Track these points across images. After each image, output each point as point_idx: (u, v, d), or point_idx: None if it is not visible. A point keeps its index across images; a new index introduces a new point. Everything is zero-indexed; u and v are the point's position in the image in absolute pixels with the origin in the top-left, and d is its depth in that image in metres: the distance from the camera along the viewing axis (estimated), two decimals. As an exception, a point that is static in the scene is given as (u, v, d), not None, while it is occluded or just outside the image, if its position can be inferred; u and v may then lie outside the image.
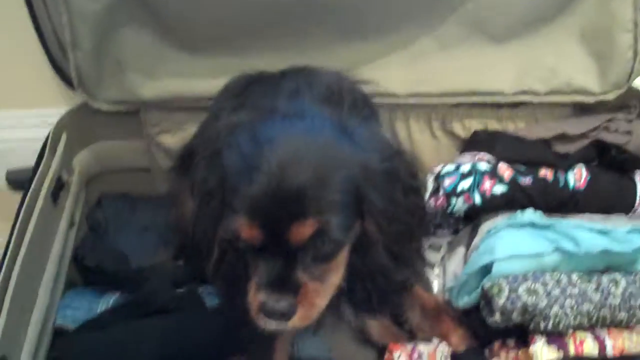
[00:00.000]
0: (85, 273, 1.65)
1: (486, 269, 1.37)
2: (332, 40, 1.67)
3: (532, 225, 1.44)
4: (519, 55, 1.69)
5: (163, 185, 1.83)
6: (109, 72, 1.71)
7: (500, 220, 1.49)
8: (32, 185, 1.51)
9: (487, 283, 1.33)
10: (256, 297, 1.06)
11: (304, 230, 1.01)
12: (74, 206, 1.72)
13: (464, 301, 1.41)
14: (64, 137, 1.70)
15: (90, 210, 1.86)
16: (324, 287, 1.08)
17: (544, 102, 1.71)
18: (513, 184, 1.53)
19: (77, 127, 1.77)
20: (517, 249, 1.37)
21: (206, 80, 1.69)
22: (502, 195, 1.52)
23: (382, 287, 1.21)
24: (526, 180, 1.53)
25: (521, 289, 1.30)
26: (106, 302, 1.58)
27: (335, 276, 1.11)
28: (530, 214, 1.46)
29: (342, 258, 1.11)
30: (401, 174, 1.14)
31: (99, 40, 1.65)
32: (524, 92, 1.71)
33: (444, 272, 1.58)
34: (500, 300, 1.30)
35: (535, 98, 1.71)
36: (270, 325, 1.07)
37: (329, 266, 1.08)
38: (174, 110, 1.78)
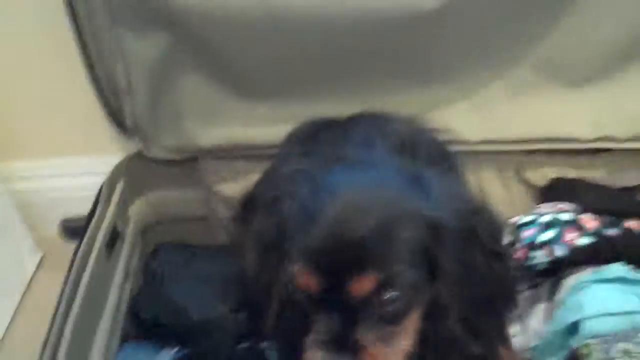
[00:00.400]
0: (142, 326, 1.59)
1: (573, 327, 1.30)
2: (396, 85, 1.62)
3: (622, 280, 1.36)
4: (596, 100, 1.62)
5: (221, 235, 1.77)
6: (166, 119, 1.67)
7: (586, 274, 1.43)
8: (87, 235, 1.46)
9: (576, 343, 1.27)
10: (312, 355, 0.97)
11: (364, 283, 0.95)
12: (130, 257, 1.67)
13: None
14: (119, 185, 1.66)
15: (147, 260, 1.80)
16: (388, 352, 0.99)
17: (624, 148, 1.64)
18: (598, 235, 1.46)
19: (133, 175, 1.73)
20: (607, 306, 1.29)
21: (266, 127, 1.65)
22: (587, 247, 1.45)
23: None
24: (612, 232, 1.47)
25: (614, 350, 1.23)
26: (164, 357, 1.53)
27: (402, 342, 1.02)
28: (618, 268, 1.39)
29: (411, 323, 1.02)
30: (480, 235, 1.05)
31: (155, 87, 1.61)
32: (603, 139, 1.64)
33: (523, 330, 1.48)
34: (592, 362, 1.21)
35: (615, 144, 1.64)
36: None
37: (394, 330, 1.00)
38: (233, 159, 1.73)
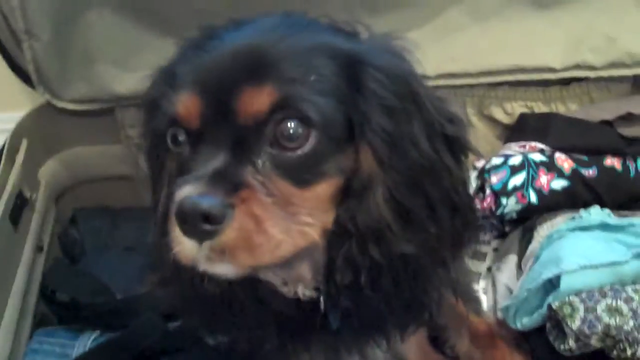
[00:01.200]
0: (57, 308, 1.41)
1: (550, 283, 1.21)
2: (342, 11, 1.43)
3: (603, 227, 1.30)
4: (569, 23, 1.49)
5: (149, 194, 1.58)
6: (75, 64, 1.50)
7: (561, 221, 1.37)
8: None
9: (555, 301, 1.16)
10: (174, 199, 0.77)
11: (255, 98, 0.77)
12: (41, 227, 1.49)
13: (524, 323, 1.24)
14: (24, 144, 1.48)
15: (63, 230, 1.63)
16: (285, 209, 0.78)
17: (600, 77, 1.51)
18: (575, 176, 1.39)
19: (41, 132, 1.55)
20: (589, 257, 1.20)
21: None
22: (563, 190, 1.40)
23: (379, 260, 0.84)
24: (590, 172, 1.41)
25: (600, 308, 1.13)
26: (83, 343, 1.34)
27: (302, 211, 0.79)
28: (598, 213, 1.33)
29: (321, 191, 0.81)
30: (423, 105, 0.84)
31: (60, 27, 1.44)
32: (577, 67, 1.51)
33: (492, 286, 1.41)
34: (575, 323, 1.13)
35: (591, 73, 1.51)
36: (185, 249, 0.76)
37: (301, 189, 0.79)
38: None
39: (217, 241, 0.74)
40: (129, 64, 1.49)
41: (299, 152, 0.78)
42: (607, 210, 1.33)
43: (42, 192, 1.51)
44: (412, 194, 0.83)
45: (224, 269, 0.77)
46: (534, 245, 1.34)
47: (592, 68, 1.50)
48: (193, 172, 0.77)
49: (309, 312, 0.90)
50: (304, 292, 0.89)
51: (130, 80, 1.48)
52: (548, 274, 1.20)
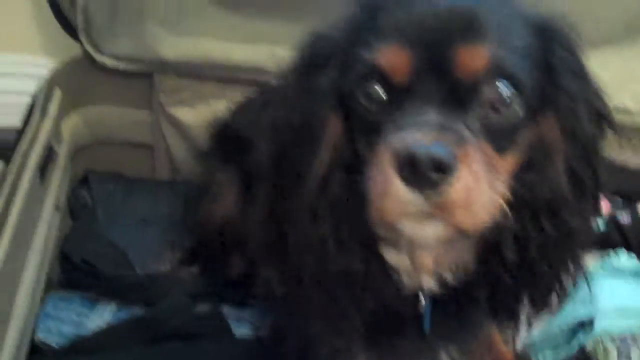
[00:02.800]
0: (74, 273, 1.32)
1: (581, 323, 1.21)
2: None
3: (635, 273, 1.30)
4: (613, 65, 1.43)
5: (166, 169, 1.58)
6: (125, 19, 1.42)
7: (590, 261, 1.33)
8: (19, 156, 1.19)
9: (587, 342, 1.17)
10: (392, 149, 0.71)
11: (475, 57, 0.73)
12: (61, 184, 1.38)
13: (546, 356, 1.23)
14: (57, 94, 1.38)
15: (74, 189, 1.52)
16: (489, 173, 0.74)
17: (636, 122, 1.48)
18: (611, 221, 1.39)
19: (72, 84, 1.44)
20: (624, 302, 1.22)
21: (248, 46, 1.42)
22: (599, 232, 1.36)
23: (549, 237, 0.83)
24: (624, 218, 1.40)
25: (634, 355, 1.14)
26: (100, 315, 1.27)
27: (499, 179, 0.76)
28: (627, 259, 1.33)
29: (512, 157, 0.79)
30: (592, 101, 0.83)
31: None
32: (615, 110, 1.45)
33: None
34: (609, 366, 1.15)
35: (627, 117, 1.48)
36: (399, 200, 0.70)
37: (499, 154, 0.76)
38: (200, 79, 1.48)
39: (444, 193, 0.68)
40: (180, 27, 1.42)
41: (505, 115, 0.75)
42: (633, 256, 1.33)
43: (64, 148, 1.41)
44: (585, 167, 0.81)
45: (432, 230, 0.73)
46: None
47: (628, 113, 1.48)
48: (402, 123, 0.72)
49: (406, 314, 0.88)
50: (428, 282, 0.86)
51: (178, 44, 1.42)
52: (583, 314, 1.19)
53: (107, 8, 1.37)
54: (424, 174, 0.67)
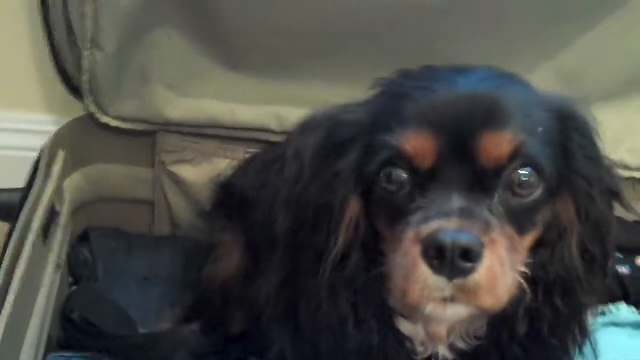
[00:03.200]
0: (76, 333, 1.30)
1: None
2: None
3: (635, 325, 1.32)
4: (612, 120, 1.45)
5: (166, 225, 1.58)
6: (130, 82, 1.42)
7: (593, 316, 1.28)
8: (23, 217, 1.18)
9: None
10: (418, 236, 0.73)
11: (498, 144, 0.75)
12: (63, 243, 1.38)
13: None
14: (61, 155, 1.38)
15: (72, 249, 1.50)
16: (511, 254, 0.76)
17: (633, 177, 1.51)
18: (611, 272, 1.31)
19: (75, 144, 1.45)
20: (625, 355, 1.23)
21: (251, 107, 1.44)
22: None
23: (561, 314, 0.85)
24: (624, 270, 1.41)
25: None
26: None
27: (519, 258, 0.79)
28: (627, 310, 1.35)
29: (532, 237, 0.81)
30: (605, 174, 0.86)
31: (125, 40, 1.36)
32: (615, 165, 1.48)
33: None
34: (613, 418, 1.19)
35: (625, 172, 1.50)
36: (426, 287, 0.72)
37: (521, 236, 0.78)
38: (199, 137, 1.50)
39: (470, 279, 0.71)
40: (185, 89, 1.44)
41: (527, 198, 0.77)
42: (633, 308, 1.34)
43: (66, 206, 1.41)
44: (598, 247, 0.85)
45: (457, 311, 0.75)
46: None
47: (627, 168, 1.50)
48: (426, 210, 0.74)
49: None
50: (444, 353, 0.87)
51: (183, 106, 1.44)
52: None
53: (113, 71, 1.37)
54: (453, 262, 0.69)
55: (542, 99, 0.83)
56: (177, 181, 1.52)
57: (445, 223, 0.71)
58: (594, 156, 0.83)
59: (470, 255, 0.70)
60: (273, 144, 1.43)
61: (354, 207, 0.83)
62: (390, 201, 0.79)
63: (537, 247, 0.83)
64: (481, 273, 0.71)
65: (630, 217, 1.41)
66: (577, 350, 0.92)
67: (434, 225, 0.71)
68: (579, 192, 0.82)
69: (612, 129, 1.47)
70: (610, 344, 1.23)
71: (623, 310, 1.32)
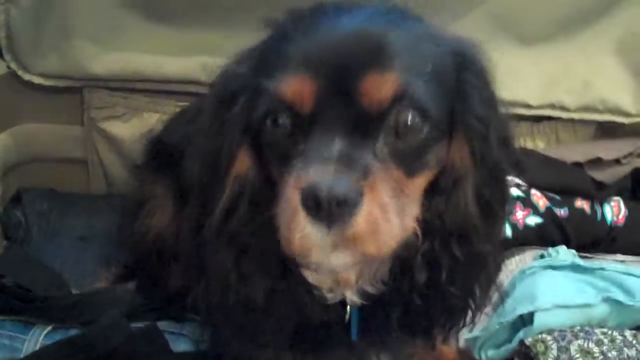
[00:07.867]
0: (5, 297, 1.26)
1: (521, 319, 1.20)
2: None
3: (574, 268, 1.29)
4: (549, 63, 1.49)
5: (102, 184, 1.56)
6: (50, 36, 1.40)
7: (529, 257, 1.36)
8: None
9: (527, 338, 1.15)
10: (298, 183, 0.72)
11: (382, 85, 0.73)
12: None
13: (489, 355, 1.21)
14: None
15: (4, 210, 1.48)
16: (398, 198, 0.75)
17: (571, 118, 1.52)
18: (548, 215, 1.39)
19: (1, 103, 1.44)
20: (562, 297, 1.19)
21: (177, 58, 1.41)
22: (536, 227, 1.39)
23: (459, 262, 0.84)
24: (562, 212, 1.41)
25: (573, 349, 1.12)
26: (35, 338, 1.22)
27: (409, 208, 0.77)
28: (566, 253, 1.33)
29: (422, 184, 0.80)
30: (497, 116, 0.84)
31: None
32: (552, 106, 1.51)
33: None
34: (547, 360, 1.13)
35: (563, 113, 1.51)
36: (307, 235, 0.71)
37: (406, 183, 0.76)
38: (128, 92, 1.48)
39: (348, 227, 0.70)
40: (109, 43, 1.41)
41: (413, 140, 0.75)
42: (572, 251, 1.33)
43: (-8, 167, 1.39)
44: (494, 193, 0.83)
45: (341, 259, 0.73)
46: (503, 278, 1.29)
47: (565, 109, 1.51)
48: (307, 156, 0.72)
49: (333, 323, 0.88)
50: (351, 297, 0.86)
51: (108, 60, 1.41)
52: (522, 310, 1.18)
53: (31, 25, 1.34)
54: (330, 210, 0.68)
55: (435, 39, 0.80)
56: (109, 138, 1.50)
57: (321, 170, 0.69)
58: (489, 98, 0.82)
59: (346, 203, 0.69)
60: (203, 95, 1.40)
61: (242, 158, 0.81)
62: (276, 147, 0.78)
63: (432, 195, 0.81)
64: (360, 220, 0.69)
65: (567, 158, 1.46)
66: (485, 299, 0.91)
67: (310, 173, 0.70)
68: (474, 133, 0.80)
69: (550, 71, 1.50)
70: (546, 286, 1.21)
71: (562, 253, 1.32)
